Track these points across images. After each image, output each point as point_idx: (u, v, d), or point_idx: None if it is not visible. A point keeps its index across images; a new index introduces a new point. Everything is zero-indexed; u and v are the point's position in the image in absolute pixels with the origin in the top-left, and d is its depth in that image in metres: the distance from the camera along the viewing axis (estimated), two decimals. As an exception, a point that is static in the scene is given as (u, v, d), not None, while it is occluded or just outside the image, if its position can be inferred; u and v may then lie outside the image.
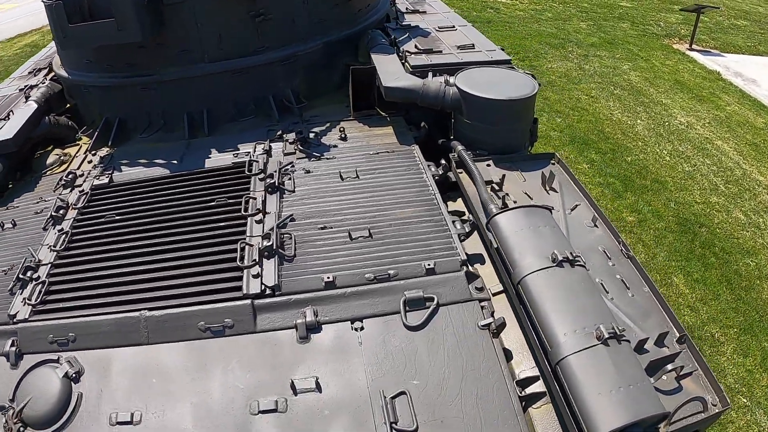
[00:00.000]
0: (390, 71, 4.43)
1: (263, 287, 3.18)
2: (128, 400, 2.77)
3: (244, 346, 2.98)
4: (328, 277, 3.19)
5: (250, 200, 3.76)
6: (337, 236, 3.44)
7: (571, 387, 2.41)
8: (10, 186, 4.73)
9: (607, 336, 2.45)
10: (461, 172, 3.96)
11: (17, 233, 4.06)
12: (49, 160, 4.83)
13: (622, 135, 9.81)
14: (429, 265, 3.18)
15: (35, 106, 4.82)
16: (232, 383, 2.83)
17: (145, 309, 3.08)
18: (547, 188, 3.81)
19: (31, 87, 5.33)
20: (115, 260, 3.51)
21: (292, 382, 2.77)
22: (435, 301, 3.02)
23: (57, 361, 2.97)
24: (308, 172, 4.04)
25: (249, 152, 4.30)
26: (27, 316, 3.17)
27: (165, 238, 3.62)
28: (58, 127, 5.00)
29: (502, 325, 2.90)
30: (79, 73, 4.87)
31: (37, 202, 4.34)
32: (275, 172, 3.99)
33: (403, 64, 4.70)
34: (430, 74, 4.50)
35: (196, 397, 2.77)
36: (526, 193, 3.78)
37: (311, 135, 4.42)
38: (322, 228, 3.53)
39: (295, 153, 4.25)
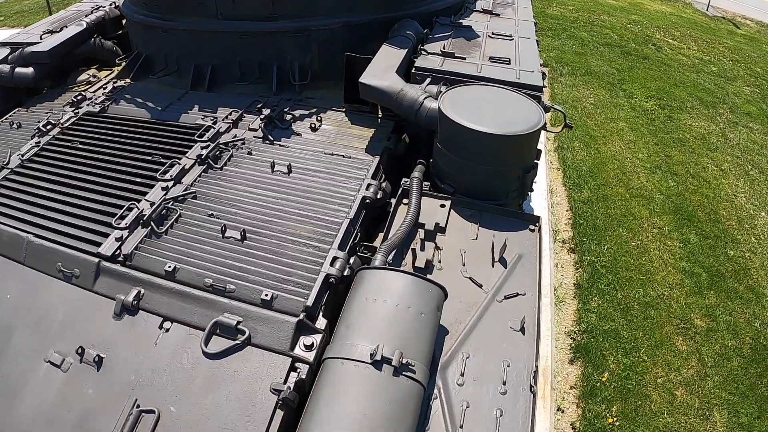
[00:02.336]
0: (380, 67, 3.82)
1: (117, 253, 2.96)
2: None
3: (75, 300, 2.86)
4: (170, 267, 2.81)
5: (175, 165, 3.47)
6: (214, 228, 3.03)
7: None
8: (45, 92, 4.98)
9: None
10: (405, 203, 3.26)
11: (16, 135, 4.23)
12: (80, 78, 5.01)
13: (737, 224, 7.93)
14: (267, 296, 2.63)
15: (84, 27, 5.03)
16: (47, 325, 2.78)
17: (33, 234, 3.11)
18: (495, 258, 2.97)
19: (97, 8, 5.56)
20: (48, 182, 3.59)
21: (82, 348, 2.62)
22: (245, 337, 2.51)
23: None
24: (249, 153, 3.66)
25: (218, 118, 3.99)
26: None
27: (91, 176, 3.60)
28: (102, 50, 5.17)
29: (293, 400, 2.29)
30: (126, 5, 4.98)
31: (46, 113, 4.48)
32: (218, 144, 3.64)
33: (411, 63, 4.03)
34: (427, 80, 3.78)
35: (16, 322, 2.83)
36: (462, 253, 2.99)
37: (288, 117, 3.99)
38: (210, 215, 3.15)
39: (257, 130, 3.86)
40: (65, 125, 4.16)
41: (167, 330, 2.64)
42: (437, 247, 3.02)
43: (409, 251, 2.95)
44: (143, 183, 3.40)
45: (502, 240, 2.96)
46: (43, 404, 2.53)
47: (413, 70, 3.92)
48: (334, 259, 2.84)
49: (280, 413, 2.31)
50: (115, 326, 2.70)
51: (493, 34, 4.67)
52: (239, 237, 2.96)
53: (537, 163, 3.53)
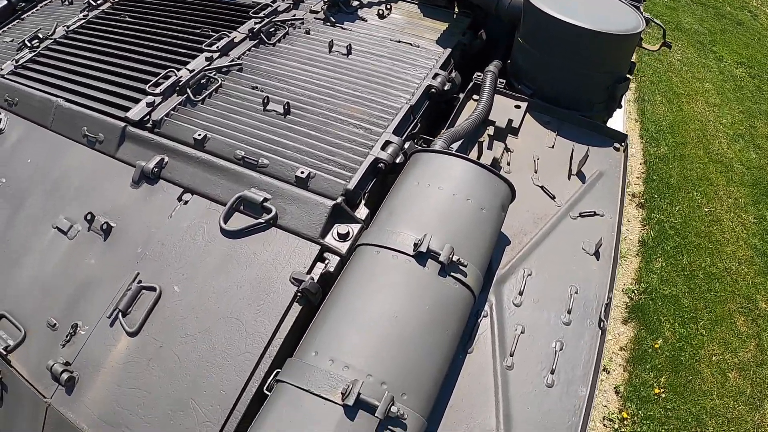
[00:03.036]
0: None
1: (146, 118, 2.51)
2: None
3: (95, 166, 2.44)
4: (200, 135, 2.34)
5: (224, 38, 2.96)
6: (255, 101, 2.53)
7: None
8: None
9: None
10: (475, 99, 2.66)
11: (66, 10, 3.84)
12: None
13: (825, 203, 6.80)
14: (303, 173, 2.12)
15: None
16: (62, 191, 2.41)
17: (63, 98, 2.70)
18: (573, 171, 2.39)
19: None
20: (88, 51, 3.14)
21: (92, 214, 2.22)
22: (271, 216, 2.01)
23: None
24: (307, 33, 3.08)
25: (285, -6, 3.42)
26: (4, 74, 3.01)
27: (133, 47, 3.10)
28: None
29: (314, 293, 1.81)
30: None
31: None
32: (274, 21, 3.09)
33: None
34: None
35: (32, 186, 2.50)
36: (535, 159, 2.41)
37: (354, 2, 3.37)
38: (253, 87, 2.63)
39: (319, 12, 3.28)
40: (115, 0, 3.72)
41: (186, 202, 2.17)
42: (507, 149, 2.42)
43: (475, 146, 2.34)
44: (186, 54, 2.90)
45: (583, 152, 2.35)
46: (43, 272, 2.15)
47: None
48: (387, 143, 2.25)
49: (297, 307, 1.81)
50: (131, 195, 2.25)
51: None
52: (282, 111, 2.43)
53: (630, 78, 2.81)
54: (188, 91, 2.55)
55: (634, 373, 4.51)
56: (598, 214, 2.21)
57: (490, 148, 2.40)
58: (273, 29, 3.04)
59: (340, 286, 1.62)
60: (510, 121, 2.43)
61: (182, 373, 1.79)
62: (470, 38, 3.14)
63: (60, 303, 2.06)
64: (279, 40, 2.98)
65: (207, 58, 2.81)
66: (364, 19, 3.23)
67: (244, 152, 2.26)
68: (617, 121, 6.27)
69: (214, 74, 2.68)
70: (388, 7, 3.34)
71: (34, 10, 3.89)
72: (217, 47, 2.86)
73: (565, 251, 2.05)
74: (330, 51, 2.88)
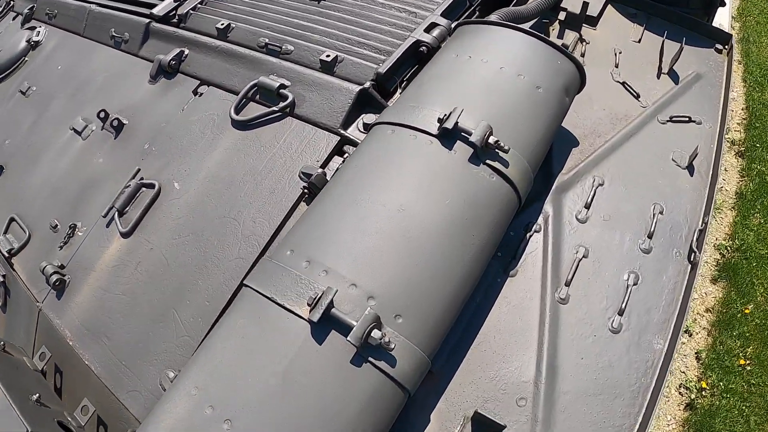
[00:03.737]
0: None
1: (172, 13, 2.18)
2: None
3: (118, 65, 2.18)
4: (223, 24, 1.97)
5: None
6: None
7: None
8: None
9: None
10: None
11: None
12: None
13: None
14: (328, 57, 1.69)
15: None
16: (83, 93, 2.18)
17: (96, 3, 2.46)
18: (663, 70, 1.82)
19: None
20: None
21: (105, 112, 1.96)
22: (286, 103, 1.61)
23: (34, 28, 2.66)
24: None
25: None
26: None
27: None
28: None
29: (319, 182, 1.40)
30: None
31: None
32: None
33: None
34: None
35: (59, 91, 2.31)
36: (617, 53, 1.86)
37: None
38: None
39: None
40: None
41: (200, 95, 1.81)
42: (581, 39, 1.84)
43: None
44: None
45: (675, 50, 1.77)
46: (54, 173, 1.92)
47: None
48: (433, 25, 1.74)
49: (303, 207, 1.41)
50: (148, 90, 1.95)
51: None
52: (319, -4, 2.01)
53: None
54: (222, -17, 2.18)
55: (719, 339, 3.78)
56: (693, 121, 1.65)
57: (561, 37, 1.84)
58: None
59: (341, 173, 1.19)
60: (585, 5, 1.84)
61: (168, 280, 1.46)
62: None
63: (65, 204, 1.81)
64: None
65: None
66: None
67: (268, 39, 1.86)
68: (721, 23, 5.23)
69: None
70: None
71: None
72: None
73: (649, 161, 1.51)
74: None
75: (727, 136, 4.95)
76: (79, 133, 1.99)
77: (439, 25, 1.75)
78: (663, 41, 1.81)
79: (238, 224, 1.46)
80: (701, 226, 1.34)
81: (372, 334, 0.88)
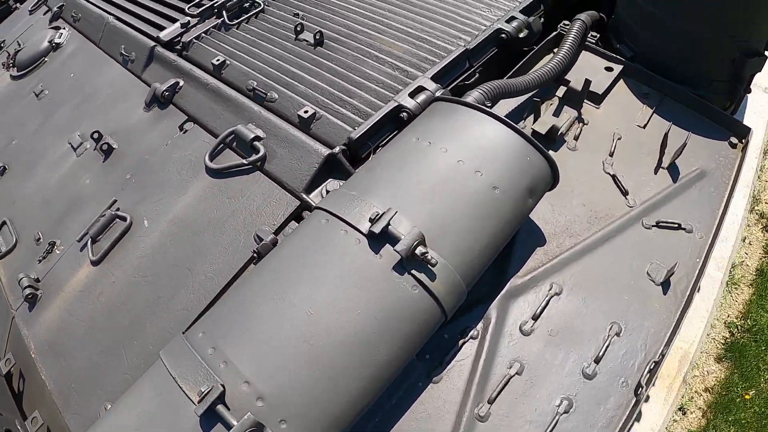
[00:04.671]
0: None
1: (177, 39, 2.25)
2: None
3: (122, 84, 2.24)
4: (218, 60, 1.99)
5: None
6: (291, 29, 2.09)
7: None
8: None
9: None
10: (554, 52, 2.00)
11: None
12: None
13: None
14: (306, 112, 1.68)
15: None
16: (87, 106, 2.26)
17: (114, 15, 2.56)
18: (663, 164, 1.68)
19: None
20: None
21: (99, 133, 2.04)
22: (258, 157, 1.62)
23: (59, 29, 2.76)
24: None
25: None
26: None
27: None
28: None
29: (265, 251, 1.38)
30: None
31: None
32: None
33: None
34: None
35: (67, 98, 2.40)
36: (615, 138, 1.74)
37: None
38: (295, 14, 2.21)
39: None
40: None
41: (185, 131, 1.85)
42: (580, 118, 1.74)
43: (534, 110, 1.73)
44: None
45: (683, 140, 1.63)
46: (47, 184, 2.00)
47: None
48: (420, 89, 1.73)
49: (252, 269, 1.44)
50: (141, 117, 2.01)
51: None
52: (313, 41, 1.99)
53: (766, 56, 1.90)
54: (224, 14, 2.19)
55: (714, 422, 3.58)
56: (683, 228, 1.51)
57: (556, 114, 1.74)
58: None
59: (270, 258, 1.17)
60: (587, 83, 1.73)
61: (123, 316, 1.51)
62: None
63: (50, 218, 1.89)
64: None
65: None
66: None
67: (257, 83, 1.87)
68: (747, 114, 4.89)
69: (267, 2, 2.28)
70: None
71: None
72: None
73: (620, 271, 1.40)
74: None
75: (756, 208, 4.67)
76: (74, 149, 2.07)
77: (426, 89, 1.70)
78: (668, 130, 1.68)
79: (191, 275, 1.47)
80: (658, 357, 1.24)
81: None
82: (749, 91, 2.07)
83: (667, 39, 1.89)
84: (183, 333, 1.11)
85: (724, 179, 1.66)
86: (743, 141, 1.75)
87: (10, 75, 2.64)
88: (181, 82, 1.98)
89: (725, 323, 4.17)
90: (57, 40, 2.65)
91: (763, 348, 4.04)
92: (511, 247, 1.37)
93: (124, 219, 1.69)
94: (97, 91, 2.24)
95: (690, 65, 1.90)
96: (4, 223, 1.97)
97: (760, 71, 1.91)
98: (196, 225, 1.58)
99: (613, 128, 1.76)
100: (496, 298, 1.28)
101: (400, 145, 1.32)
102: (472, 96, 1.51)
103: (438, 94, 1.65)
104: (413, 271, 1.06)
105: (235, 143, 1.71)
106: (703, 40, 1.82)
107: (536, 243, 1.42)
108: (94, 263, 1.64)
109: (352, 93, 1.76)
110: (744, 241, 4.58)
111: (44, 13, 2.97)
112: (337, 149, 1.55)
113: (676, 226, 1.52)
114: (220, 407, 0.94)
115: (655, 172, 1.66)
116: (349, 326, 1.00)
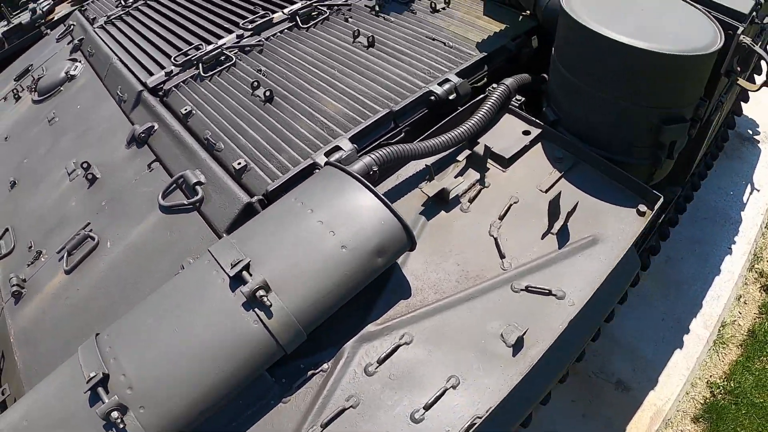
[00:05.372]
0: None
1: (160, 86, 2.64)
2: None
3: (115, 121, 2.63)
4: (186, 110, 2.42)
5: (266, 17, 2.91)
6: (261, 91, 2.43)
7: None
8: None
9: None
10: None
11: None
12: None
13: None
14: (240, 164, 2.05)
15: None
16: (87, 136, 2.65)
17: (119, 56, 2.98)
18: (552, 228, 1.78)
19: None
20: (162, 16, 3.35)
21: (88, 163, 2.44)
22: (196, 199, 2.01)
23: (75, 61, 3.21)
24: (346, 20, 2.90)
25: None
26: (96, 26, 3.40)
27: (189, 14, 3.27)
28: None
29: None
30: None
31: None
32: (318, 5, 2.93)
33: None
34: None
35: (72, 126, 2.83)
36: (512, 203, 1.90)
37: (412, -7, 3.02)
38: (258, 71, 2.56)
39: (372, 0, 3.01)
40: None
41: (152, 170, 2.27)
42: (481, 181, 1.97)
43: (448, 171, 1.97)
44: (225, 28, 2.92)
45: (590, 206, 1.77)
46: (45, 202, 2.44)
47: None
48: (336, 148, 2.06)
49: None
50: (122, 153, 2.43)
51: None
52: (263, 97, 2.33)
53: (687, 122, 2.00)
54: (201, 65, 2.56)
55: (682, 487, 3.58)
56: (554, 295, 1.58)
57: (460, 175, 1.96)
58: (314, 13, 2.87)
59: (169, 281, 1.55)
60: (487, 148, 1.94)
61: (78, 323, 1.91)
62: (520, 45, 2.59)
63: (42, 231, 2.31)
64: (314, 25, 2.83)
65: (238, 36, 2.79)
66: (413, 12, 2.88)
67: (211, 133, 2.22)
68: (757, 168, 4.71)
69: (236, 52, 2.64)
70: (448, 0, 2.90)
71: None
72: (252, 26, 2.80)
73: (474, 330, 1.51)
74: (353, 41, 2.64)
75: (757, 266, 4.55)
76: (68, 174, 2.51)
77: (341, 148, 1.99)
78: (557, 195, 1.74)
79: (135, 291, 1.83)
80: (475, 420, 1.34)
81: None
82: (672, 158, 2.13)
83: (587, 106, 2.04)
84: (97, 335, 1.45)
85: (617, 248, 1.69)
86: (651, 208, 1.79)
87: (32, 99, 3.12)
88: (156, 126, 2.37)
89: (707, 383, 4.10)
90: (72, 72, 3.10)
91: (743, 412, 3.97)
92: (377, 295, 1.62)
93: (93, 239, 2.10)
94: (96, 125, 2.69)
95: (611, 131, 2.02)
96: (8, 229, 2.41)
97: (681, 137, 2.02)
98: (144, 254, 1.94)
99: (513, 192, 1.90)
100: (351, 340, 1.55)
101: (282, 202, 1.67)
102: (362, 161, 1.81)
103: (347, 154, 1.93)
104: (256, 309, 1.41)
105: (183, 185, 2.06)
106: (623, 109, 1.95)
107: (402, 295, 1.63)
108: (67, 272, 2.04)
109: (281, 148, 2.09)
110: (739, 299, 4.50)
111: (68, 43, 3.43)
112: (254, 199, 1.89)
113: (547, 292, 1.57)
114: (100, 389, 1.33)
115: (542, 237, 1.74)
116: (203, 344, 1.38)
